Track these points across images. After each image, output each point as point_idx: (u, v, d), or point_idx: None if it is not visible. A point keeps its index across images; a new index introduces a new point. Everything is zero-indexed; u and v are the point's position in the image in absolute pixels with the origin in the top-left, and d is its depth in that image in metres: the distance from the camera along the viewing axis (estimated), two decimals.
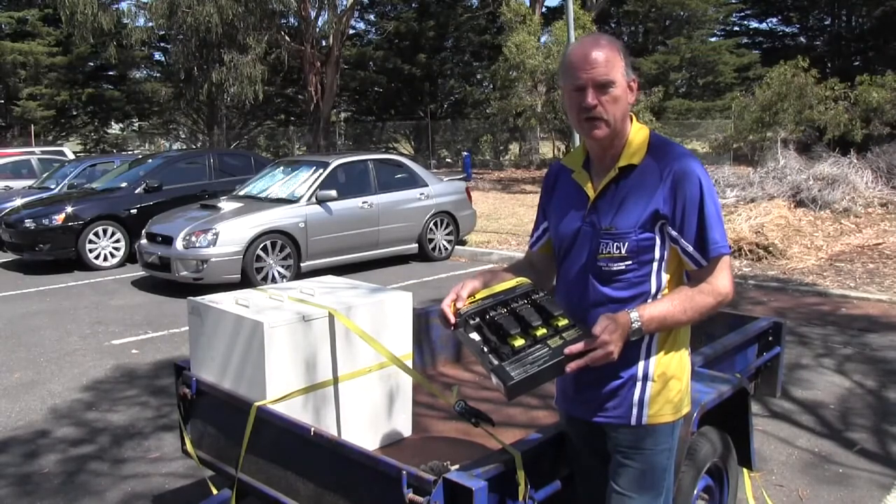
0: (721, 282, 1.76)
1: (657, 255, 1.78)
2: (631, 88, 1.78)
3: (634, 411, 1.81)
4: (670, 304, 1.75)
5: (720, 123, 24.48)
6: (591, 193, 1.84)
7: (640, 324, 1.72)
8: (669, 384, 1.82)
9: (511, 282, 1.90)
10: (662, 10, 29.43)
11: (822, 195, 10.76)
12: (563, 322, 1.77)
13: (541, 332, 1.74)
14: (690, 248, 1.75)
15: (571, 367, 1.68)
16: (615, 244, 1.77)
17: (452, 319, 1.80)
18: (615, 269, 1.79)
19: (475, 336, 1.77)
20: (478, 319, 1.79)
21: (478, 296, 1.86)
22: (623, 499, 1.85)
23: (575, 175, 1.90)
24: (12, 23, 27.71)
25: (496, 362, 1.70)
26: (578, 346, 1.68)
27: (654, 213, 1.74)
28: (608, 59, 1.73)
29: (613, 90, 1.74)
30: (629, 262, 1.77)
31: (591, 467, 2.00)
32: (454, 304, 1.83)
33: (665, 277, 1.80)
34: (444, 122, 30.46)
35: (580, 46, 1.77)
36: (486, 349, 1.74)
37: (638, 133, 1.82)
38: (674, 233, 1.75)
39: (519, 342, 1.72)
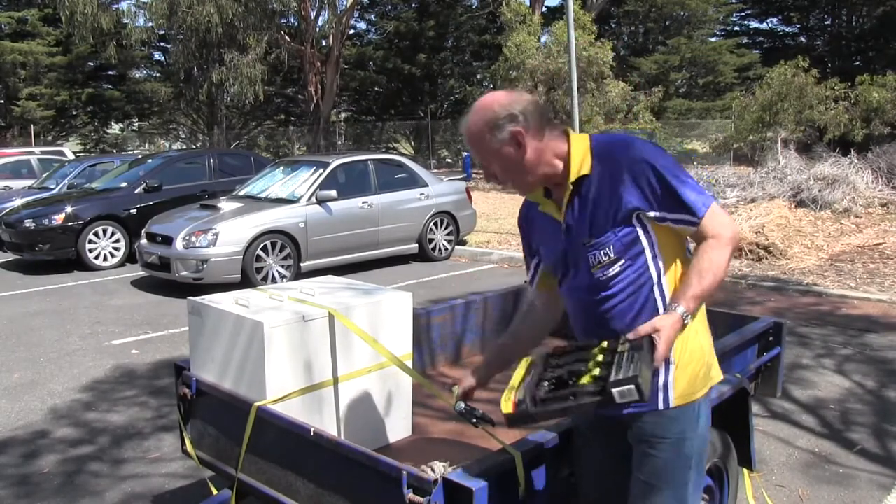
0: (722, 229, 1.77)
1: (645, 243, 1.79)
2: (518, 142, 1.78)
3: (661, 395, 1.81)
4: (697, 276, 1.76)
5: (720, 123, 24.51)
6: (559, 217, 1.87)
7: (687, 314, 1.74)
8: (691, 363, 1.84)
9: (522, 364, 1.87)
10: (662, 10, 29.46)
11: (822, 195, 10.76)
12: (604, 344, 1.76)
13: (601, 357, 1.73)
14: (678, 218, 1.77)
15: (659, 355, 1.68)
16: (602, 252, 1.80)
17: (513, 409, 1.73)
18: (612, 273, 1.80)
19: (553, 401, 1.69)
20: (545, 386, 1.73)
21: (515, 381, 1.79)
22: (649, 488, 1.85)
23: (541, 207, 1.94)
24: (12, 23, 27.73)
25: (613, 377, 1.63)
26: (640, 331, 1.71)
27: (625, 209, 1.76)
28: (474, 144, 1.81)
29: (496, 164, 1.81)
30: (622, 262, 1.79)
31: (603, 468, 1.99)
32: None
33: (662, 261, 1.82)
34: (444, 122, 30.47)
35: (463, 127, 1.85)
36: (573, 393, 1.67)
37: (578, 146, 1.83)
38: (656, 214, 1.77)
39: (595, 372, 1.69)
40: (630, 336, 1.72)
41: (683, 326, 1.75)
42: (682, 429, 1.83)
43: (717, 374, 1.94)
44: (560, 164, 1.84)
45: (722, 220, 1.78)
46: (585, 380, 1.69)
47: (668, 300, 1.81)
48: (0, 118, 28.19)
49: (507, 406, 1.72)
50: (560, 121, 18.64)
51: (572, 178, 1.81)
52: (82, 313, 7.09)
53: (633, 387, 1.59)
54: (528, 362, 1.87)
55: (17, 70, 26.89)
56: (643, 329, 1.71)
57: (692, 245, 1.86)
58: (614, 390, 1.60)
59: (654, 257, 1.81)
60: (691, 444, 1.85)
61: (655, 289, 1.81)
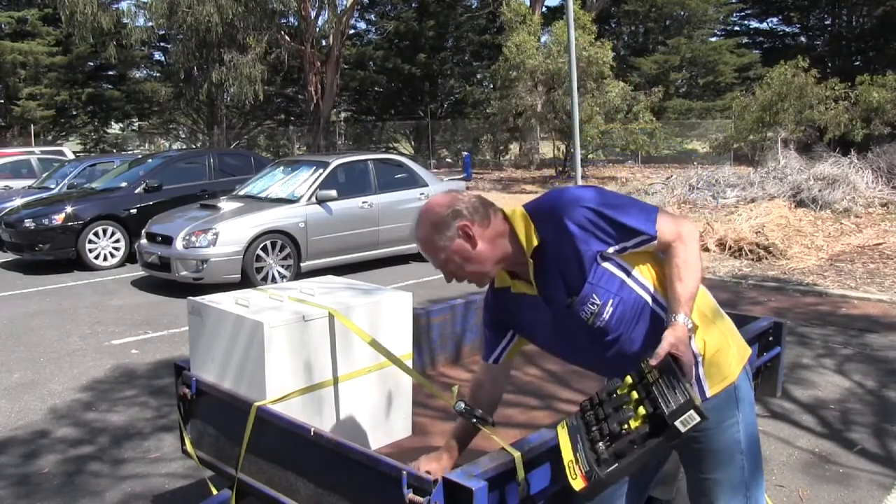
0: (678, 229, 1.80)
1: (621, 274, 1.82)
2: (467, 236, 1.81)
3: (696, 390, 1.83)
4: (679, 282, 1.78)
5: (720, 123, 24.50)
6: (534, 292, 1.89)
7: (687, 318, 1.75)
8: (717, 354, 1.87)
9: (560, 432, 1.82)
10: (662, 10, 29.46)
11: (822, 195, 10.76)
12: (628, 380, 1.74)
13: (636, 394, 1.71)
14: (636, 241, 1.80)
15: (687, 368, 1.69)
16: (589, 303, 1.81)
17: (585, 483, 1.68)
18: (607, 316, 1.83)
19: (617, 458, 1.64)
20: (601, 447, 1.68)
21: (566, 454, 1.74)
22: (708, 482, 1.90)
23: (513, 289, 1.96)
24: (12, 23, 27.74)
25: (667, 410, 1.59)
26: (659, 353, 1.69)
27: (586, 257, 1.78)
28: (427, 248, 1.86)
29: (452, 263, 1.85)
30: (611, 302, 1.82)
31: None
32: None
33: (644, 279, 1.85)
34: (444, 122, 30.48)
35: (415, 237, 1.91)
36: (632, 440, 1.63)
37: (518, 222, 1.86)
38: (615, 248, 1.79)
39: (641, 412, 1.66)
40: (653, 362, 1.70)
41: (692, 329, 1.77)
42: (722, 416, 1.86)
43: (746, 351, 1.97)
44: (510, 245, 1.86)
45: (673, 221, 1.81)
46: (635, 423, 1.66)
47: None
48: (0, 118, 28.20)
49: (578, 483, 1.67)
50: (560, 121, 18.64)
51: (529, 252, 1.84)
52: (82, 313, 7.09)
53: (692, 412, 1.57)
54: (566, 428, 1.83)
55: (17, 70, 26.89)
56: (662, 350, 1.70)
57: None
58: (676, 422, 1.57)
59: (636, 281, 1.84)
60: (737, 428, 1.89)
61: (653, 304, 1.85)
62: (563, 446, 1.79)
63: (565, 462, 1.74)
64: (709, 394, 1.85)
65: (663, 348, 1.70)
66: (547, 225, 1.82)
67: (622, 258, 1.82)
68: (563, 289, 1.83)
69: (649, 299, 1.84)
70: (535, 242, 1.83)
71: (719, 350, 1.89)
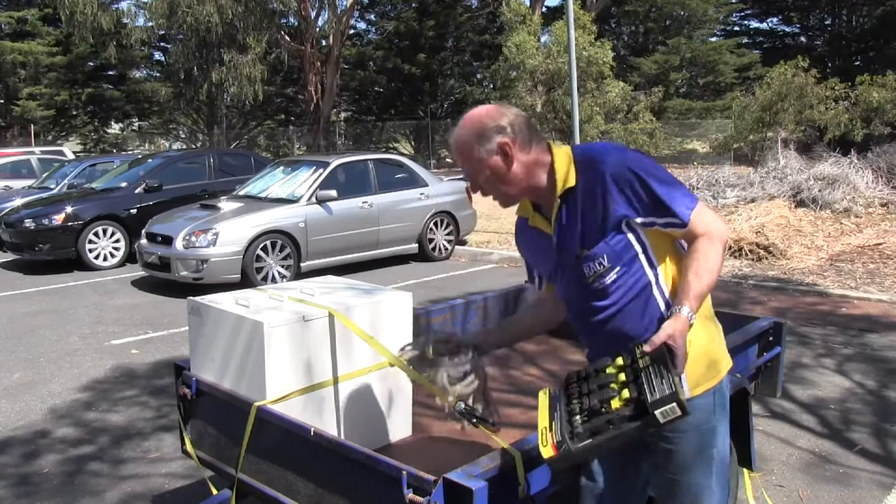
0: (711, 227, 1.78)
1: (637, 248, 1.80)
2: (505, 153, 1.80)
3: None
4: (695, 276, 1.76)
5: (720, 123, 24.49)
6: (549, 230, 1.88)
7: (692, 313, 1.74)
8: (705, 356, 1.85)
9: (541, 399, 1.83)
10: (662, 10, 29.45)
11: (822, 195, 10.76)
12: (619, 361, 1.74)
13: (623, 376, 1.69)
14: (666, 221, 1.77)
15: (679, 361, 1.68)
16: (596, 262, 1.80)
17: (555, 452, 1.68)
18: (609, 281, 1.81)
19: (592, 434, 1.65)
20: (577, 420, 1.68)
21: (542, 420, 1.75)
22: (679, 483, 1.88)
23: (531, 221, 1.95)
24: (12, 23, 27.75)
25: (650, 398, 1.58)
26: (655, 341, 1.69)
27: (612, 217, 1.76)
28: (463, 154, 1.83)
29: (482, 175, 1.83)
30: (617, 269, 1.80)
31: (616, 465, 2.02)
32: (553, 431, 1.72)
33: (658, 262, 1.82)
34: (444, 122, 30.45)
35: (451, 140, 1.88)
36: (610, 420, 1.63)
37: (561, 158, 1.83)
38: (644, 220, 1.77)
39: (625, 394, 1.65)
40: (647, 348, 1.69)
41: (690, 326, 1.75)
42: (701, 419, 1.83)
43: (729, 363, 1.94)
44: (545, 178, 1.84)
45: (709, 218, 1.79)
46: (616, 404, 1.65)
47: (668, 299, 1.82)
48: (0, 118, 28.20)
49: (547, 451, 1.67)
50: (560, 121, 18.65)
51: (559, 191, 1.82)
52: (82, 313, 7.09)
53: (674, 405, 1.57)
54: (547, 396, 1.83)
55: (17, 70, 26.89)
56: (658, 338, 1.69)
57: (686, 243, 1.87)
58: (657, 412, 1.57)
59: (649, 260, 1.81)
60: (713, 434, 1.87)
61: (654, 290, 1.82)
62: (541, 412, 1.79)
63: (539, 428, 1.74)
64: (688, 394, 1.81)
65: (660, 337, 1.69)
66: (587, 171, 1.79)
67: (645, 233, 1.79)
68: (579, 239, 1.81)
69: (654, 284, 1.82)
70: (571, 184, 1.80)
71: (707, 353, 1.86)
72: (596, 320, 1.87)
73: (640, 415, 1.60)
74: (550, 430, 1.71)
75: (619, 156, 1.78)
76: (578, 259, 1.82)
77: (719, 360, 1.90)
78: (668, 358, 1.66)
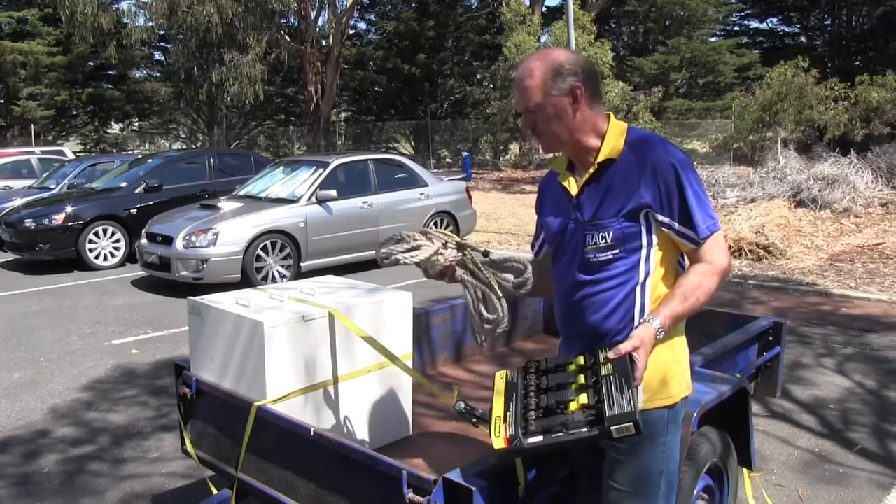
0: (718, 258, 1.79)
1: (644, 242, 1.80)
2: (574, 97, 1.80)
3: None
4: (682, 297, 1.77)
5: (720, 123, 24.48)
6: (573, 190, 1.88)
7: (662, 328, 1.75)
8: (660, 372, 1.82)
9: (498, 383, 1.84)
10: (662, 10, 29.42)
11: (822, 195, 10.76)
12: (580, 360, 1.75)
13: (583, 379, 1.70)
14: (682, 231, 1.78)
15: (638, 375, 1.68)
16: (600, 234, 1.80)
17: (506, 445, 1.69)
18: (603, 258, 1.81)
19: (544, 433, 1.66)
20: (532, 417, 1.69)
21: (497, 409, 1.76)
22: (621, 494, 1.84)
23: (560, 178, 1.95)
24: (12, 23, 27.73)
25: (608, 411, 1.60)
26: (620, 349, 1.69)
27: (636, 202, 1.77)
28: (530, 87, 1.81)
29: (543, 111, 1.82)
30: (616, 251, 1.80)
31: (591, 465, 2.00)
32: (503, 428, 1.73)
33: (653, 265, 1.82)
34: (444, 122, 30.45)
35: (517, 71, 1.86)
36: (564, 423, 1.65)
37: (615, 129, 1.86)
38: (663, 218, 1.78)
39: (582, 399, 1.66)
40: (611, 355, 1.69)
41: (657, 341, 1.76)
42: (654, 432, 1.81)
43: (686, 390, 1.91)
44: (594, 141, 1.86)
45: (721, 248, 1.80)
46: (573, 407, 1.66)
47: (646, 304, 1.81)
48: (0, 118, 28.19)
49: (498, 442, 1.69)
50: None
51: (600, 157, 1.83)
52: (82, 313, 7.09)
53: (630, 424, 1.58)
54: (504, 381, 1.83)
55: (17, 70, 26.85)
56: (624, 347, 1.69)
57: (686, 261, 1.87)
58: (612, 427, 1.59)
59: (648, 258, 1.81)
60: (663, 449, 1.84)
61: (638, 288, 1.82)
62: (496, 398, 1.79)
63: (492, 416, 1.75)
64: (642, 406, 1.78)
65: (626, 346, 1.69)
66: (633, 151, 1.81)
67: (657, 233, 1.80)
68: (595, 207, 1.82)
69: (640, 283, 1.81)
70: (614, 156, 1.81)
71: (665, 370, 1.83)
72: (575, 298, 1.86)
73: (595, 424, 1.61)
74: (504, 420, 1.73)
75: (669, 150, 1.80)
76: (586, 224, 1.83)
77: (678, 382, 1.87)
78: (629, 370, 1.66)
